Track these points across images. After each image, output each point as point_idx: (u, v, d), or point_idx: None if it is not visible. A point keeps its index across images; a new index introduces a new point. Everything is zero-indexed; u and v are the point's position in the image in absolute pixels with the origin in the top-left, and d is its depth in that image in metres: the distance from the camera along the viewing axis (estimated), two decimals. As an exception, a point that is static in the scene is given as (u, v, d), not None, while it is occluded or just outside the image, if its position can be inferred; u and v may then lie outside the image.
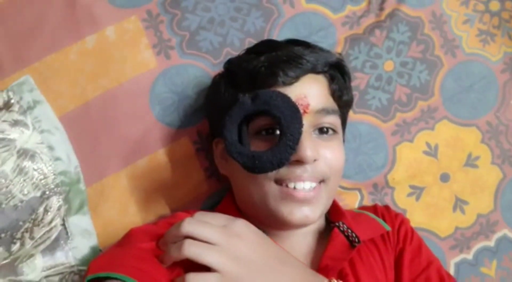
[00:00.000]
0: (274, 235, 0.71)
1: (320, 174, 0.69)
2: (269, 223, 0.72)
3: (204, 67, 0.90)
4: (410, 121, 0.94)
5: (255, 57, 0.74)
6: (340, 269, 0.69)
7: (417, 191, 0.93)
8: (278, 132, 0.68)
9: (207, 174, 0.88)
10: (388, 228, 0.79)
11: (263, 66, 0.71)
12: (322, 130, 0.72)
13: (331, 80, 0.75)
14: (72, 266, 0.81)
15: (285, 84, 0.70)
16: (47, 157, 0.81)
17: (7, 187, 0.77)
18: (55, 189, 0.81)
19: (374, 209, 0.86)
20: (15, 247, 0.77)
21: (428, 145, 0.94)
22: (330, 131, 0.72)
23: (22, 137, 0.81)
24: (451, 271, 0.90)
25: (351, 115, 0.91)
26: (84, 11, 0.87)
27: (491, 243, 0.93)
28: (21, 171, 0.79)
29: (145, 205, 0.86)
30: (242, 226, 0.59)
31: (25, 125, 0.82)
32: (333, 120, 0.72)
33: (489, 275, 0.91)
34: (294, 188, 0.68)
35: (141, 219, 0.85)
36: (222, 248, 0.56)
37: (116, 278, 0.54)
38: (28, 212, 0.78)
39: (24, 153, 0.80)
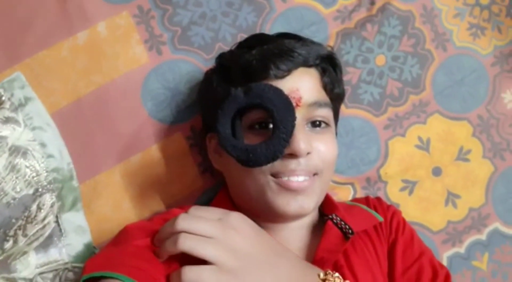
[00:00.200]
0: (269, 228, 0.71)
1: (314, 167, 0.70)
2: (265, 215, 0.72)
3: (196, 63, 0.90)
4: (402, 115, 0.95)
5: (247, 51, 0.74)
6: (335, 260, 0.70)
7: (409, 185, 0.93)
8: (271, 126, 0.68)
9: (200, 170, 0.88)
10: (380, 218, 0.79)
11: (255, 60, 0.71)
12: (314, 124, 0.72)
13: (323, 73, 0.75)
14: (66, 263, 0.81)
15: (277, 77, 0.70)
16: (39, 154, 0.81)
17: (-1, 184, 0.77)
18: (48, 186, 0.81)
19: (366, 201, 0.87)
20: (8, 245, 0.77)
21: (420, 139, 0.95)
22: (323, 125, 0.73)
23: (14, 134, 0.80)
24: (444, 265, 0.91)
25: (344, 110, 0.91)
26: (76, 7, 0.87)
27: (483, 237, 0.93)
28: (13, 168, 0.78)
29: (139, 201, 0.85)
30: (237, 219, 0.60)
31: (16, 122, 0.81)
32: (326, 113, 0.73)
33: (481, 268, 0.92)
34: (288, 179, 0.68)
35: (135, 215, 0.85)
36: (217, 241, 0.56)
37: (112, 277, 0.54)
38: (20, 209, 0.78)
39: (16, 150, 0.79)
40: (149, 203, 0.86)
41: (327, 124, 0.73)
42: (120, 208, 0.85)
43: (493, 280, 0.92)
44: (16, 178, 0.78)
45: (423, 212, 0.93)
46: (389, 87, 0.95)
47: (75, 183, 0.83)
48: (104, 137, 0.86)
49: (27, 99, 0.83)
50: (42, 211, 0.79)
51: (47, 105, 0.84)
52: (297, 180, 0.68)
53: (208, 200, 0.86)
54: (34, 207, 0.79)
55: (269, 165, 0.67)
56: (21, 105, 0.82)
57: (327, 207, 0.79)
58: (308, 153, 0.68)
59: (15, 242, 0.77)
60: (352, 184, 0.93)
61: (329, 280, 0.58)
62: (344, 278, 0.60)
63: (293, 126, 0.65)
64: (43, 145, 0.82)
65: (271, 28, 0.93)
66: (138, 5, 0.89)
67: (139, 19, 0.89)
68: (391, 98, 0.95)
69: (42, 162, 0.81)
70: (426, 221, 0.92)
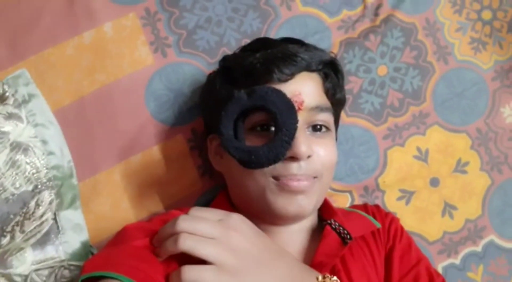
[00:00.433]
0: (268, 231, 0.71)
1: (314, 171, 0.70)
2: (265, 217, 0.72)
3: (200, 66, 0.90)
4: (402, 126, 0.95)
5: (251, 54, 0.74)
6: (333, 265, 0.70)
7: (407, 195, 0.94)
8: (273, 128, 0.68)
9: (200, 172, 0.88)
10: (378, 225, 0.79)
11: (259, 63, 0.72)
12: (315, 128, 0.72)
13: (325, 78, 0.76)
14: (62, 261, 0.80)
15: (280, 81, 0.70)
16: (40, 150, 0.81)
17: (-2, 179, 0.77)
18: (47, 183, 0.81)
19: (364, 207, 0.87)
20: (5, 240, 0.76)
21: (418, 149, 0.95)
22: (324, 129, 0.73)
23: (16, 130, 0.80)
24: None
25: (344, 118, 0.92)
26: (83, 6, 0.88)
27: (478, 248, 0.94)
28: (13, 164, 0.78)
29: (138, 201, 0.86)
30: (238, 220, 0.60)
31: (19, 118, 0.81)
32: (327, 117, 0.73)
33: (475, 280, 0.93)
34: (288, 180, 0.69)
35: (134, 215, 0.85)
36: (218, 241, 0.56)
37: (111, 277, 0.53)
38: (19, 205, 0.78)
39: (17, 146, 0.79)
40: (147, 204, 0.86)
41: (327, 128, 0.74)
42: (118, 207, 0.85)
43: (487, 292, 0.92)
44: (16, 174, 0.78)
45: (419, 222, 0.93)
46: (390, 98, 0.96)
47: (74, 181, 0.83)
48: (106, 137, 0.86)
49: (31, 96, 0.84)
50: (40, 207, 0.79)
51: (51, 103, 0.85)
52: (297, 181, 0.69)
53: (207, 202, 0.86)
54: (32, 204, 0.79)
55: (270, 167, 0.67)
56: (25, 102, 0.83)
57: (326, 212, 0.79)
58: (309, 156, 0.69)
59: (12, 238, 0.77)
60: (350, 192, 0.93)
61: (327, 283, 0.59)
62: (341, 283, 0.60)
63: (295, 129, 0.66)
64: (44, 142, 0.82)
65: (275, 35, 0.94)
66: (146, 7, 0.90)
67: (145, 21, 0.90)
68: (391, 109, 0.96)
69: (42, 158, 0.81)
70: (423, 231, 0.93)
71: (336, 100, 0.79)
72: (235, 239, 0.57)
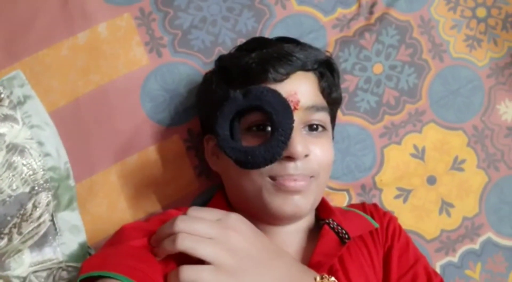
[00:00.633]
0: (266, 231, 0.71)
1: (310, 171, 0.70)
2: (262, 217, 0.72)
3: (196, 66, 0.90)
4: (398, 124, 0.95)
5: (246, 54, 0.74)
6: (331, 265, 0.70)
7: (404, 193, 0.94)
8: (269, 128, 0.68)
9: (196, 172, 0.88)
10: (376, 225, 0.79)
11: (254, 63, 0.72)
12: (311, 127, 0.72)
13: (321, 77, 0.76)
14: (60, 262, 0.80)
15: (276, 81, 0.70)
16: (37, 152, 0.81)
17: (-5, 182, 0.77)
18: (44, 185, 0.81)
19: (362, 207, 0.87)
20: (2, 242, 0.76)
21: (415, 147, 0.95)
22: (320, 128, 0.73)
23: (12, 132, 0.80)
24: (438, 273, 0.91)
25: (340, 117, 0.92)
26: (77, 7, 0.87)
27: (476, 246, 0.94)
28: (10, 166, 0.78)
29: (135, 202, 0.86)
30: (236, 220, 0.60)
31: (14, 120, 0.81)
32: (323, 117, 0.73)
33: (473, 277, 0.92)
34: (285, 180, 0.69)
35: (130, 215, 0.85)
36: (216, 241, 0.56)
37: (109, 277, 0.54)
38: (16, 207, 0.77)
39: (14, 148, 0.79)
40: (144, 204, 0.86)
41: (324, 128, 0.74)
42: (115, 208, 0.85)
43: (485, 290, 0.93)
44: (13, 175, 0.78)
45: (417, 220, 0.93)
46: (386, 96, 0.96)
47: (71, 182, 0.83)
48: (102, 137, 0.86)
49: (26, 98, 0.83)
50: (37, 209, 0.79)
51: (46, 104, 0.85)
52: (294, 180, 0.69)
53: (204, 202, 0.86)
54: (29, 205, 0.78)
55: (267, 167, 0.67)
56: (20, 103, 0.83)
57: (323, 212, 0.79)
58: (306, 156, 0.69)
59: (10, 240, 0.77)
60: (347, 191, 0.93)
61: (325, 283, 0.59)
62: (339, 283, 0.60)
63: (291, 129, 0.66)
64: (40, 143, 0.82)
65: (270, 34, 0.94)
66: (140, 7, 0.90)
67: (140, 21, 0.90)
68: (387, 107, 0.96)
69: (39, 160, 0.81)
70: (420, 229, 0.93)
71: (332, 99, 0.79)
72: (233, 239, 0.58)
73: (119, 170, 0.86)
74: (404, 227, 0.86)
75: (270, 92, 0.67)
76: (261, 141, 0.68)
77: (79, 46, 0.87)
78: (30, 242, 0.79)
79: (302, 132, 0.71)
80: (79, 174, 0.84)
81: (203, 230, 0.57)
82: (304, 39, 0.91)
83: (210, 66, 0.86)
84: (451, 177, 0.95)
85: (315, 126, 0.73)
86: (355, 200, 0.93)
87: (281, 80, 0.71)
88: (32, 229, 0.79)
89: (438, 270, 0.92)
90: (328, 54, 0.84)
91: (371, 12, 0.98)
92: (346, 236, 0.73)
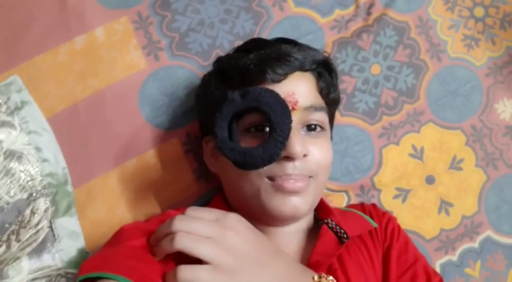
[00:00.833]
0: (265, 231, 0.71)
1: (309, 171, 0.70)
2: (261, 218, 0.72)
3: (194, 69, 0.90)
4: (396, 124, 0.96)
5: (244, 55, 0.74)
6: (329, 264, 0.70)
7: (403, 193, 0.94)
8: (267, 129, 0.68)
9: (195, 175, 0.88)
10: (375, 224, 0.80)
11: (252, 64, 0.72)
12: (310, 127, 0.72)
13: (319, 77, 0.76)
14: (59, 269, 0.80)
15: (274, 81, 0.70)
16: (34, 158, 0.81)
17: (-7, 188, 0.76)
18: (42, 191, 0.80)
19: (361, 207, 0.87)
20: (0, 250, 0.76)
21: (414, 147, 0.96)
22: (318, 129, 0.73)
23: (9, 138, 0.80)
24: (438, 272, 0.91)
25: (338, 118, 0.92)
26: (74, 11, 0.87)
27: (475, 244, 0.94)
28: (7, 172, 0.78)
29: (134, 206, 0.85)
30: (235, 220, 0.60)
31: (12, 126, 0.81)
32: (321, 117, 0.73)
33: (473, 275, 0.93)
34: (283, 180, 0.69)
35: (129, 220, 0.84)
36: (214, 241, 0.57)
37: (108, 278, 0.54)
38: (14, 214, 0.77)
39: (11, 154, 0.79)
40: (143, 208, 0.86)
41: (322, 128, 0.74)
42: (114, 212, 0.84)
43: (485, 288, 0.93)
44: (11, 182, 0.78)
45: (416, 220, 0.93)
46: (384, 96, 0.96)
47: (69, 188, 0.83)
48: (100, 142, 0.85)
49: (24, 103, 0.83)
50: (36, 215, 0.79)
51: (44, 110, 0.84)
52: (292, 181, 0.69)
53: (204, 204, 0.86)
54: (28, 212, 0.78)
55: (265, 168, 0.67)
56: (17, 109, 0.82)
57: (322, 212, 0.80)
58: (304, 156, 0.69)
59: (8, 247, 0.76)
60: (346, 192, 0.93)
61: (323, 283, 0.59)
62: (338, 282, 0.60)
63: (289, 129, 0.66)
64: (38, 149, 0.81)
65: (268, 36, 0.93)
66: (137, 11, 0.90)
67: (137, 25, 0.89)
68: (385, 107, 0.96)
69: (37, 166, 0.80)
70: (419, 229, 0.93)
71: (330, 99, 0.79)
72: (231, 238, 0.58)
73: (118, 174, 0.85)
74: (403, 227, 0.86)
75: (268, 93, 0.67)
76: (259, 142, 0.68)
77: (76, 50, 0.86)
78: (28, 249, 0.79)
79: (301, 133, 0.71)
80: (77, 179, 0.84)
81: (202, 230, 0.57)
82: (301, 41, 0.91)
83: (208, 69, 0.86)
84: (450, 176, 0.96)
85: (313, 126, 0.73)
86: (354, 201, 0.93)
87: (279, 80, 0.71)
88: (31, 236, 0.79)
89: (438, 269, 0.92)
90: (326, 54, 0.84)
91: (368, 13, 0.98)
92: (345, 236, 0.73)
